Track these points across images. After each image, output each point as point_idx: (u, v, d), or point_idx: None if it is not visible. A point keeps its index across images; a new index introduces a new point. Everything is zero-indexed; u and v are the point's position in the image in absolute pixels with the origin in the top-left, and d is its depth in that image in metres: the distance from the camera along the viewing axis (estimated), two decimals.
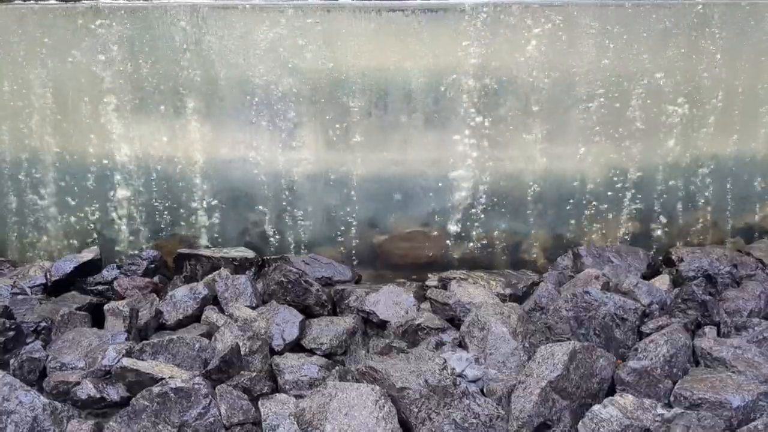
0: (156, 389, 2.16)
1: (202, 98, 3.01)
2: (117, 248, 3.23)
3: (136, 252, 3.20)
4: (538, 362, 2.24)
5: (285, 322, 2.66)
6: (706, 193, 3.16)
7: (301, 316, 2.70)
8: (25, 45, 2.98)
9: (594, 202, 3.13)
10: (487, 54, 2.92)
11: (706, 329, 2.61)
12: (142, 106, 3.03)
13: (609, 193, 3.13)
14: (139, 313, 2.73)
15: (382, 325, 2.75)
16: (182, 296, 2.82)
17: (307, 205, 3.13)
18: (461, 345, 2.56)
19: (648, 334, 2.53)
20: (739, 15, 2.95)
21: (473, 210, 3.12)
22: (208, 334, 2.61)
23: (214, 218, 3.16)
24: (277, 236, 3.18)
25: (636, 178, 3.11)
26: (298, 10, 2.90)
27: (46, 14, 2.94)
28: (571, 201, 3.13)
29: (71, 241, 3.22)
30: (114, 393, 2.32)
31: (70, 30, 2.95)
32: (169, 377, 2.23)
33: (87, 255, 3.10)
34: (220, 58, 2.96)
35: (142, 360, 2.37)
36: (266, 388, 2.39)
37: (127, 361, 2.32)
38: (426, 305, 2.86)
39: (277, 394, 2.37)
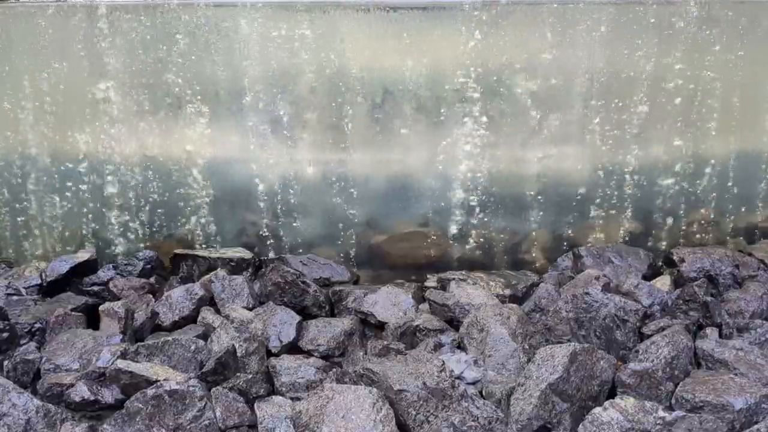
0: (150, 392, 2.14)
1: (200, 97, 2.99)
2: (113, 249, 3.20)
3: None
4: (538, 364, 2.21)
5: (282, 324, 2.64)
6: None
7: (298, 318, 2.67)
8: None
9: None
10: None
11: (708, 331, 2.59)
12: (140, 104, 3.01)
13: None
14: (135, 314, 2.71)
15: (381, 326, 2.73)
16: (178, 297, 2.80)
17: (305, 205, 3.10)
18: (460, 346, 2.53)
19: (649, 336, 2.50)
20: None
21: (472, 210, 3.09)
22: (205, 336, 2.58)
23: (212, 218, 3.14)
24: (274, 236, 3.15)
25: None
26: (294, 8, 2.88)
27: None
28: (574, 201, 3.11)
29: (67, 241, 3.21)
30: (108, 395, 2.30)
31: None
32: (164, 379, 2.20)
33: (83, 255, 3.07)
34: (217, 55, 2.94)
35: (137, 362, 2.35)
36: (262, 390, 2.36)
37: (121, 363, 2.30)
38: (425, 306, 2.83)
39: (274, 396, 2.34)
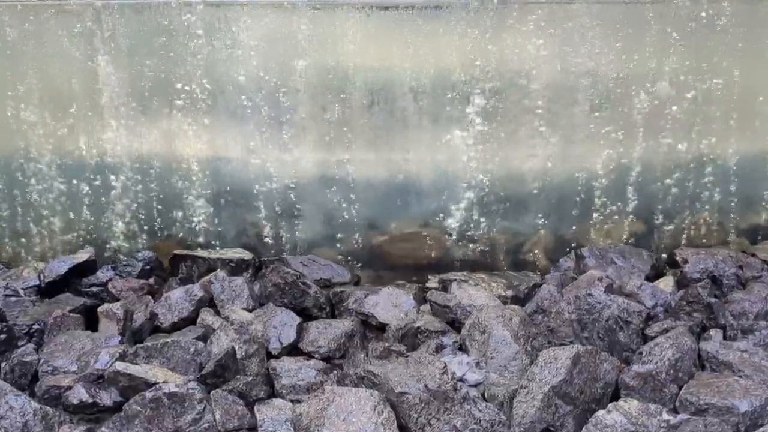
0: (149, 394, 2.12)
1: (199, 96, 2.97)
2: (112, 249, 3.19)
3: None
4: (541, 366, 2.19)
5: (282, 325, 2.62)
6: None
7: (298, 319, 2.65)
8: None
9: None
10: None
11: (712, 332, 2.56)
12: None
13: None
14: (134, 316, 2.69)
15: (382, 327, 2.71)
16: (178, 298, 2.78)
17: (306, 206, 3.08)
18: (462, 348, 2.51)
19: (653, 338, 2.48)
20: None
21: (473, 210, 3.07)
22: (204, 337, 2.56)
23: (211, 218, 3.12)
24: (274, 237, 3.14)
25: None
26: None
27: None
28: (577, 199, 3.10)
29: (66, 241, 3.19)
30: (107, 398, 2.28)
31: None
32: (163, 382, 2.19)
33: (82, 256, 3.05)
34: (218, 54, 2.92)
35: (136, 364, 2.33)
36: (262, 392, 2.34)
37: (120, 365, 2.28)
38: (426, 307, 2.81)
39: (274, 399, 2.32)
